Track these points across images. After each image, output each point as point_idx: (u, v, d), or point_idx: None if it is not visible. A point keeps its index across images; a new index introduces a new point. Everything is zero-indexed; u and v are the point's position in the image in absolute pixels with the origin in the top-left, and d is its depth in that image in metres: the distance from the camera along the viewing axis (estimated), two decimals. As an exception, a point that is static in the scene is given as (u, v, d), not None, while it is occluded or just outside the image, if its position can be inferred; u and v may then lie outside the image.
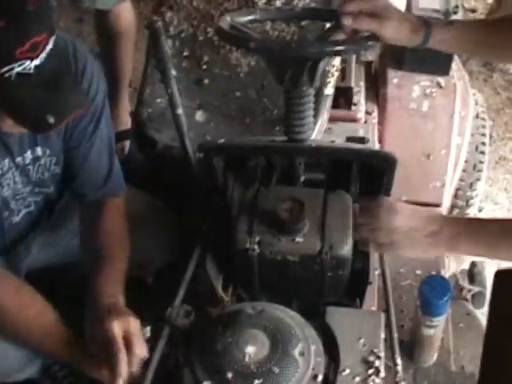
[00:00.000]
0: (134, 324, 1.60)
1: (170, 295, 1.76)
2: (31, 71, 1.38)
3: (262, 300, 1.79)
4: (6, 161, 1.70)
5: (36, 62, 1.38)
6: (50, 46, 1.41)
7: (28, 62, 1.37)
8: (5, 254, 1.85)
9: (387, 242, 1.48)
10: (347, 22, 1.63)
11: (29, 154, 1.75)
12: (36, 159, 1.78)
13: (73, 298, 1.95)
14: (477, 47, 1.72)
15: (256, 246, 1.69)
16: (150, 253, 2.07)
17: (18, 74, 1.37)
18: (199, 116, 2.21)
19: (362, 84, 2.58)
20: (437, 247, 1.45)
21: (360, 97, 2.52)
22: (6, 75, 1.35)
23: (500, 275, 1.75)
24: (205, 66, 2.26)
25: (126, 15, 2.90)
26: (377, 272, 1.93)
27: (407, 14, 1.73)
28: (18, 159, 1.73)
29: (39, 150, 1.77)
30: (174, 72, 1.77)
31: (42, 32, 1.38)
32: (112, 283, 1.73)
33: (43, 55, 1.39)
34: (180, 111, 1.79)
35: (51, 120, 1.41)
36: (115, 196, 1.91)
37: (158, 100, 2.19)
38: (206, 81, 2.25)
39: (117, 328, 1.56)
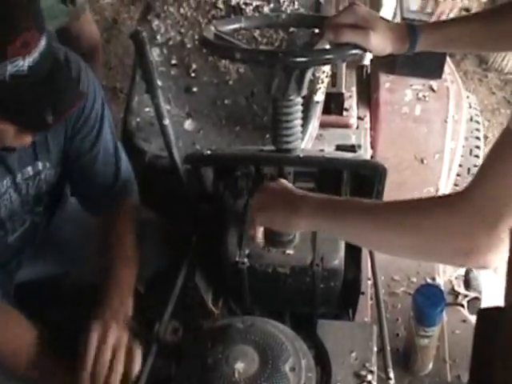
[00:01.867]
0: (119, 337, 1.58)
1: (161, 305, 1.74)
2: (25, 72, 1.35)
3: (253, 313, 1.78)
4: (5, 182, 1.68)
5: (29, 60, 1.35)
6: (42, 45, 1.38)
7: (21, 61, 1.34)
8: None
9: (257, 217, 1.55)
10: (330, 36, 1.62)
11: (29, 170, 1.73)
12: (36, 174, 1.76)
13: (64, 308, 1.95)
14: (468, 43, 1.71)
15: (246, 259, 1.68)
16: (141, 262, 2.05)
17: (13, 75, 1.34)
18: (188, 124, 2.18)
19: (354, 89, 2.56)
20: (298, 224, 1.46)
21: (352, 102, 2.50)
22: (1, 77, 1.33)
23: (482, 313, 1.75)
24: (193, 74, 2.24)
25: (87, 35, 2.93)
26: (370, 282, 1.91)
27: (392, 23, 1.72)
28: (18, 177, 1.71)
29: (40, 165, 1.75)
30: (159, 82, 1.75)
31: (31, 28, 1.35)
32: (120, 285, 1.72)
33: (36, 55, 1.36)
34: (167, 122, 1.76)
35: (50, 118, 1.40)
36: (127, 201, 1.90)
37: (147, 109, 2.17)
38: (195, 88, 2.22)
39: (93, 338, 1.54)
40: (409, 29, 1.62)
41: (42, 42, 1.38)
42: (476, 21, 1.66)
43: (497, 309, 1.64)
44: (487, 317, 1.69)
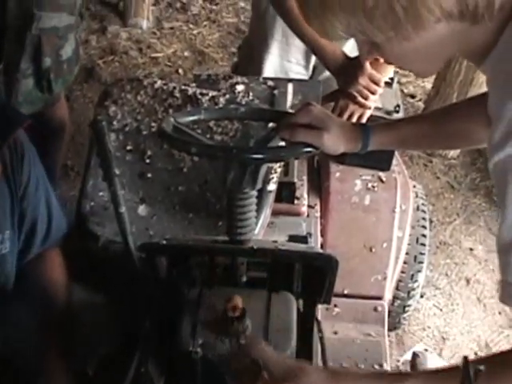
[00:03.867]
0: None
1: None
2: None
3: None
4: None
5: None
6: None
7: None
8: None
9: None
10: (284, 135, 1.67)
11: None
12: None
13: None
14: (419, 143, 1.77)
15: (199, 349, 1.68)
16: (90, 345, 2.04)
17: None
18: (142, 210, 2.20)
19: (305, 178, 2.62)
20: None
21: (303, 191, 2.55)
22: None
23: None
24: (148, 160, 2.26)
25: (58, 119, 3.08)
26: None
27: (345, 123, 1.77)
28: None
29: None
30: (117, 171, 1.77)
31: None
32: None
33: None
34: (123, 209, 1.78)
35: None
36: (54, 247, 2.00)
37: (101, 193, 2.17)
38: (149, 174, 2.25)
39: None
40: (362, 129, 1.68)
41: None
42: (426, 122, 1.73)
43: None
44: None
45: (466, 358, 1.09)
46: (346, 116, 2.46)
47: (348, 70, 2.41)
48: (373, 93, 2.44)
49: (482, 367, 1.07)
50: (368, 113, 2.48)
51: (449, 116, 1.70)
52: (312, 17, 1.22)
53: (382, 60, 1.31)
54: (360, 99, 2.44)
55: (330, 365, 1.96)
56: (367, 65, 2.38)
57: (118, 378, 1.76)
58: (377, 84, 2.42)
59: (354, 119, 2.47)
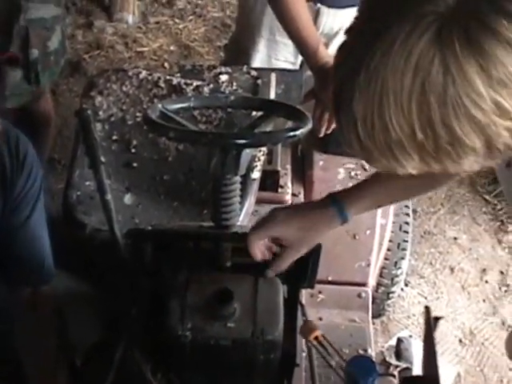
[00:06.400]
0: None
1: (98, 378, 1.75)
2: None
3: (192, 384, 1.80)
4: None
5: None
6: None
7: None
8: None
9: None
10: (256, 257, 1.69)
11: None
12: None
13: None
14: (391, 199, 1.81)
15: (188, 333, 1.70)
16: (78, 335, 2.06)
17: None
18: (127, 199, 2.22)
19: (289, 167, 2.64)
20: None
21: (286, 179, 2.58)
22: None
23: (406, 381, 1.81)
24: (134, 150, 2.29)
25: (42, 113, 3.10)
26: (304, 354, 1.96)
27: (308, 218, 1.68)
28: None
29: None
30: (102, 159, 1.80)
31: None
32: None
33: None
34: (109, 197, 1.81)
35: None
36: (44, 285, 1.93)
37: (87, 183, 2.20)
38: (135, 164, 2.27)
39: None
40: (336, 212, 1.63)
41: None
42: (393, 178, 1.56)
43: (419, 377, 1.71)
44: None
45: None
46: (324, 119, 2.39)
47: (324, 74, 2.30)
48: None
49: None
50: None
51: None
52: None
53: None
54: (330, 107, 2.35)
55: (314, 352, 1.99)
56: None
57: (105, 367, 1.78)
58: None
59: (332, 126, 2.39)
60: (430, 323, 1.31)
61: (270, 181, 2.48)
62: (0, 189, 1.80)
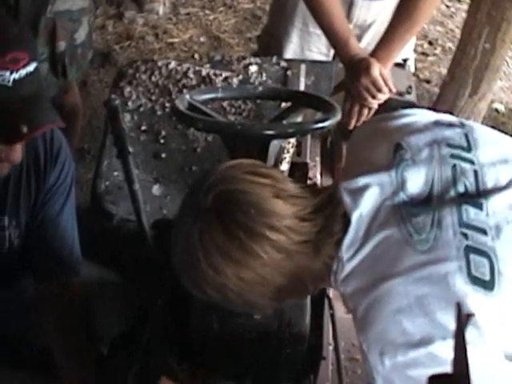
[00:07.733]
0: None
1: (124, 368, 1.76)
2: (9, 84, 1.44)
3: (216, 376, 1.79)
4: None
5: (15, 75, 1.44)
6: (31, 67, 1.49)
7: (7, 74, 1.43)
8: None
9: None
10: None
11: None
12: (1, 229, 1.80)
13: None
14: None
15: (214, 324, 1.70)
16: (105, 324, 2.06)
17: None
18: (156, 190, 2.22)
19: (318, 159, 2.62)
20: None
21: (316, 171, 2.55)
22: None
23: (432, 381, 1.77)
24: (162, 141, 2.28)
25: (70, 106, 3.10)
26: (331, 347, 1.94)
27: None
28: None
29: (6, 220, 1.78)
30: (131, 149, 1.80)
31: (23, 50, 1.47)
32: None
33: (23, 72, 1.46)
34: (137, 187, 1.81)
35: (24, 129, 1.47)
36: (72, 282, 1.94)
37: (116, 173, 2.20)
38: (163, 155, 2.27)
39: None
40: None
41: (32, 66, 1.49)
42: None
43: (447, 375, 1.68)
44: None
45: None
46: (354, 111, 2.41)
47: (354, 67, 2.32)
48: (373, 96, 2.34)
49: None
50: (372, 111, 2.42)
51: None
52: None
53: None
54: (360, 98, 2.37)
55: (342, 344, 1.98)
56: (374, 67, 2.28)
57: (131, 357, 1.78)
58: (379, 90, 2.32)
59: (362, 119, 2.42)
60: (461, 319, 1.28)
61: (298, 173, 2.46)
62: (34, 179, 1.81)
